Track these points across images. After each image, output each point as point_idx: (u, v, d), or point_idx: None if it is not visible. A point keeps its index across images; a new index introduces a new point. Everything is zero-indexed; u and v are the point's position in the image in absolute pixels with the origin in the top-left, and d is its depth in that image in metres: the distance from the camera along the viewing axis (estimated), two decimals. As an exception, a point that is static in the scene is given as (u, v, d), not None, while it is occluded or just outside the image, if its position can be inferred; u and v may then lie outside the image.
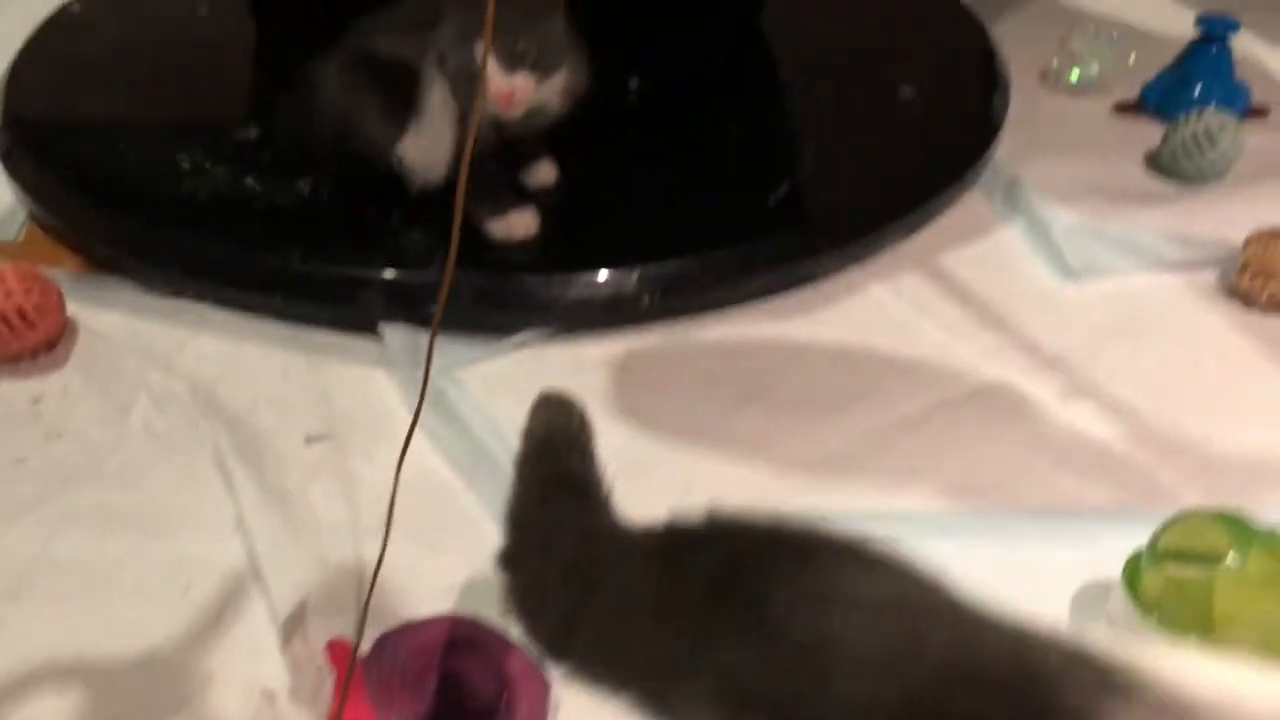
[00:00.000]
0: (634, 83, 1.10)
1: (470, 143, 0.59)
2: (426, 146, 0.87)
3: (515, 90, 0.80)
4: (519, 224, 0.88)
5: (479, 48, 0.78)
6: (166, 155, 0.99)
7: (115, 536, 0.71)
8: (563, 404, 0.55)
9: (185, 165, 0.98)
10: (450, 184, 0.89)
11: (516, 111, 0.81)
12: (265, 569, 0.68)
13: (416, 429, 0.78)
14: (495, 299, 0.86)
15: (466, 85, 0.81)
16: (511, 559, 0.48)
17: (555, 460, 0.51)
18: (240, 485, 0.74)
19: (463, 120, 0.83)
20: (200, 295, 0.89)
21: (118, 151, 1.00)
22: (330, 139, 0.91)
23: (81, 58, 1.15)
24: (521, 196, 0.90)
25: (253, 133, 1.02)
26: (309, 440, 0.79)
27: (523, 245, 0.88)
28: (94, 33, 1.20)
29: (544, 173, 0.95)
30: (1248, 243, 0.90)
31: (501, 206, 0.88)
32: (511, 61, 0.79)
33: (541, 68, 0.81)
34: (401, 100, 0.86)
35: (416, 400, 0.80)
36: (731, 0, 1.22)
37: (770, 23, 1.23)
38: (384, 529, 0.59)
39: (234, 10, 1.20)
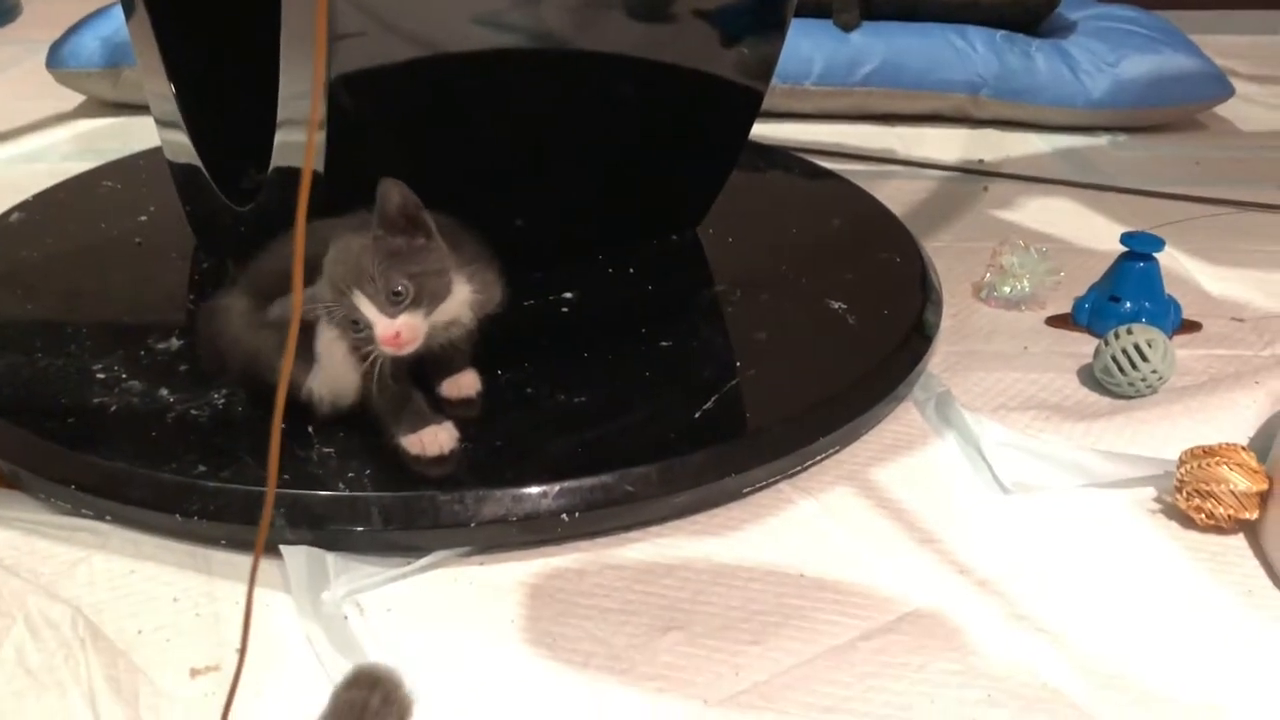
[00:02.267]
0: (569, 295, 1.11)
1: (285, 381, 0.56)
2: (333, 381, 0.86)
3: (400, 331, 0.79)
4: (432, 441, 0.85)
5: (357, 297, 0.78)
6: (82, 366, 0.97)
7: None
8: (369, 684, 0.53)
9: (100, 376, 0.96)
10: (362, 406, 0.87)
11: (409, 349, 0.80)
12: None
13: (313, 659, 0.75)
14: (404, 517, 0.82)
15: (354, 333, 0.80)
16: None
17: None
18: (110, 726, 0.68)
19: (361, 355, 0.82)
20: (99, 513, 0.85)
21: (33, 362, 0.98)
22: (238, 368, 0.90)
23: (11, 266, 1.15)
24: (438, 410, 0.88)
25: (174, 344, 1.00)
26: (194, 673, 0.73)
27: (437, 461, 0.85)
28: (28, 243, 1.20)
29: (465, 383, 0.93)
30: (1182, 461, 0.88)
31: (415, 422, 0.85)
32: (391, 305, 0.79)
33: (425, 301, 0.80)
34: (303, 339, 0.85)
35: (317, 626, 0.77)
36: (670, 214, 1.24)
37: (707, 235, 1.25)
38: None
39: (171, 224, 1.21)
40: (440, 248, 0.82)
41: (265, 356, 0.86)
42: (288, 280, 0.81)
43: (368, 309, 0.79)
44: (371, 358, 0.81)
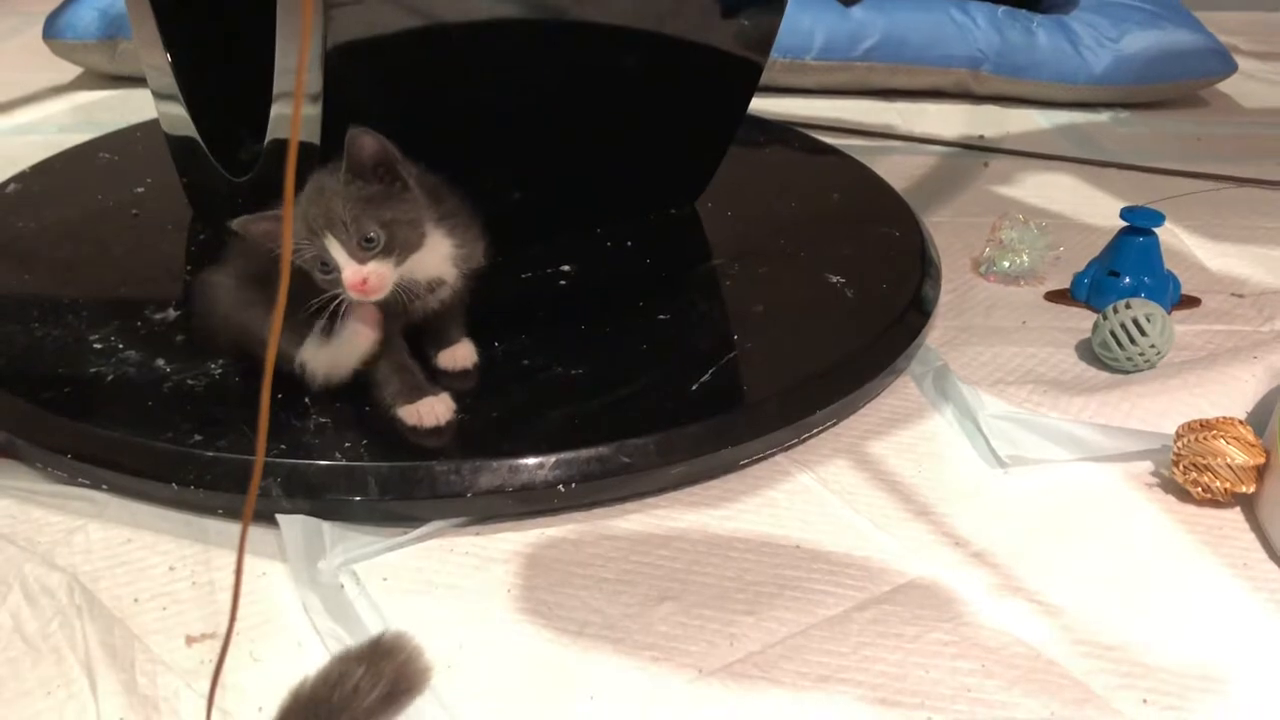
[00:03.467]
0: (567, 269, 1.10)
1: (274, 339, 0.57)
2: (330, 354, 0.86)
3: (368, 278, 0.79)
4: (429, 412, 0.85)
5: (329, 240, 0.78)
6: (79, 336, 0.97)
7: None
8: (359, 659, 0.54)
9: (97, 346, 0.95)
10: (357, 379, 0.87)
11: (375, 297, 0.81)
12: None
13: (309, 627, 0.75)
14: (401, 487, 0.82)
15: (322, 275, 0.80)
16: None
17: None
18: (106, 693, 0.68)
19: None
20: (95, 482, 0.85)
21: (29, 332, 0.97)
22: (230, 342, 0.89)
23: (7, 237, 1.15)
24: (435, 381, 0.88)
25: (171, 314, 1.00)
26: (190, 641, 0.74)
27: (433, 431, 0.85)
28: (25, 213, 1.19)
29: (461, 355, 0.93)
30: (1179, 435, 0.88)
31: (412, 393, 0.85)
32: (362, 250, 0.79)
33: (396, 250, 0.80)
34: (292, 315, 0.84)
35: (313, 594, 0.77)
36: (668, 188, 1.23)
37: (705, 209, 1.24)
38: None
39: (168, 195, 1.21)
40: (415, 198, 0.82)
41: (255, 331, 0.86)
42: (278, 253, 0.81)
43: (338, 253, 0.79)
44: (336, 302, 0.81)
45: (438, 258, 0.84)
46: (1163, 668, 0.72)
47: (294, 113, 0.74)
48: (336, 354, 0.86)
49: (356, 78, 0.95)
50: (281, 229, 0.79)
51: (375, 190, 0.80)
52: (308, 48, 0.90)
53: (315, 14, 0.90)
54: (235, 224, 0.81)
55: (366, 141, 0.79)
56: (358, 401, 0.87)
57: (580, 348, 0.97)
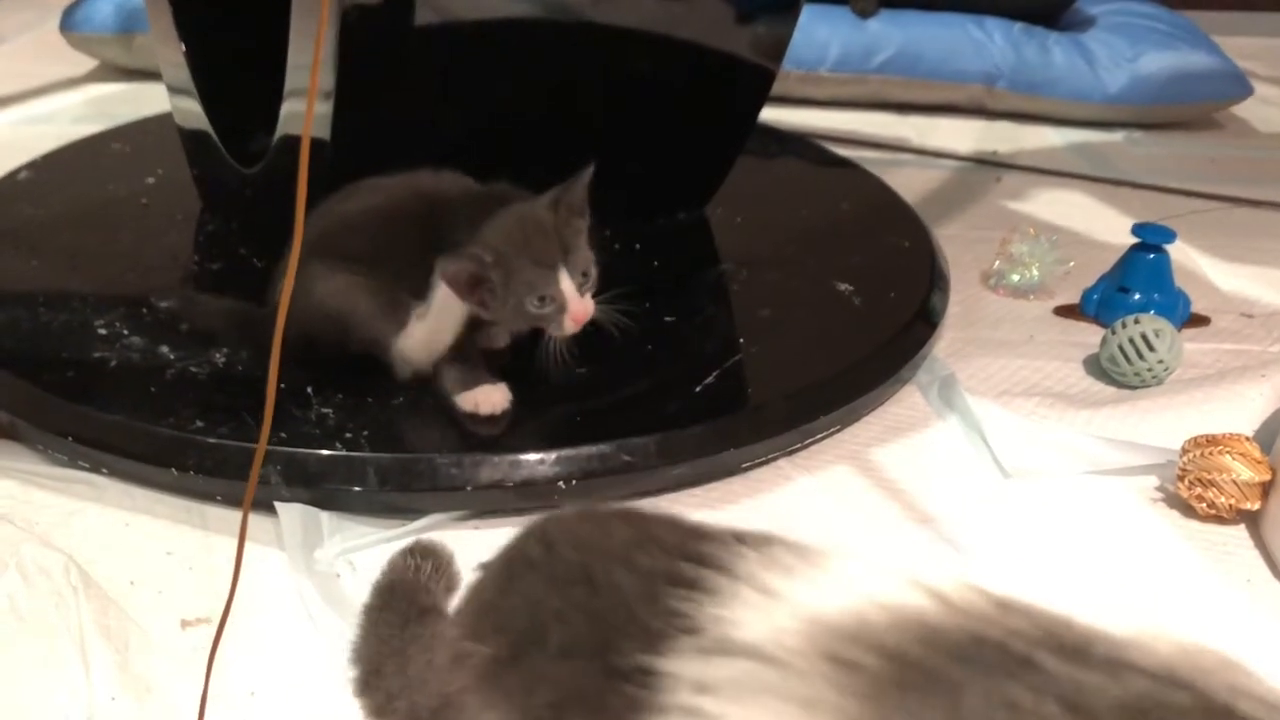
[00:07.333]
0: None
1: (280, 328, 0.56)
2: (426, 341, 0.87)
3: (588, 311, 0.81)
4: (486, 399, 0.86)
5: (561, 274, 0.80)
6: (84, 321, 0.97)
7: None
8: (423, 554, 0.62)
9: (102, 331, 0.96)
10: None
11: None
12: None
13: (303, 614, 0.75)
14: (401, 479, 0.82)
15: (535, 310, 0.81)
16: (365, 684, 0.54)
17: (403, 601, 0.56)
18: (99, 673, 0.68)
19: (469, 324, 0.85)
20: (95, 465, 0.85)
21: (35, 316, 0.98)
22: (318, 328, 0.87)
23: (16, 223, 1.15)
24: (491, 372, 0.88)
25: (176, 302, 1.00)
26: (185, 625, 0.73)
27: (489, 420, 0.86)
28: (36, 201, 1.20)
29: (493, 334, 0.93)
30: (1185, 450, 0.87)
31: (470, 380, 0.86)
32: (582, 285, 0.81)
33: (594, 285, 0.83)
34: (402, 295, 0.86)
35: (309, 582, 0.77)
36: (678, 192, 1.23)
37: (715, 215, 1.24)
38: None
39: (178, 187, 1.21)
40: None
41: (361, 318, 0.86)
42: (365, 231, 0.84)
43: (567, 286, 0.80)
44: (546, 337, 0.84)
45: None
46: (1163, 681, 0.71)
47: (307, 109, 0.74)
48: (432, 327, 0.86)
49: (367, 76, 0.95)
50: (486, 271, 0.80)
51: (584, 225, 0.82)
52: (321, 47, 0.90)
53: (329, 14, 0.90)
54: (441, 267, 0.80)
55: (587, 179, 0.81)
56: (361, 392, 0.87)
57: (585, 347, 0.97)
